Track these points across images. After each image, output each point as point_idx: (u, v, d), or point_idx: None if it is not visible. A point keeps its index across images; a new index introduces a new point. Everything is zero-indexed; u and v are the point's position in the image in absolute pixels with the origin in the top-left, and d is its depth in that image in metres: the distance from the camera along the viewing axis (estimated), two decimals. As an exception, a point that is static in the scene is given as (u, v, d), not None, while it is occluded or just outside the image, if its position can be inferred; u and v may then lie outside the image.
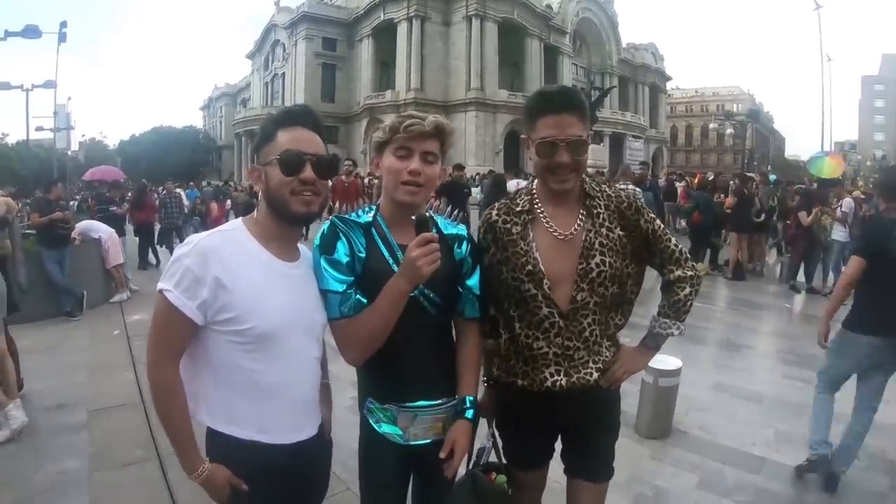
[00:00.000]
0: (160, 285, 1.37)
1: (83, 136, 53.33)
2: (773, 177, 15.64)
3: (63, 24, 19.34)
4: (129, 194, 12.51)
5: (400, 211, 1.57)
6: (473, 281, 1.70)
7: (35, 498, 3.07)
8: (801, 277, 8.92)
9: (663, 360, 3.80)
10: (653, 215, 1.81)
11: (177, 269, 1.35)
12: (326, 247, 1.55)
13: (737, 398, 4.51)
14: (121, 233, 9.14)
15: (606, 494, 1.85)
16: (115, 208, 10.09)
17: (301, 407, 1.54)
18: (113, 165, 24.13)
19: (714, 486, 3.18)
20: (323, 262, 1.54)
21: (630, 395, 3.72)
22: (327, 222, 1.61)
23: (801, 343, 5.97)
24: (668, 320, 1.79)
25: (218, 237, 1.42)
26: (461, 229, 1.74)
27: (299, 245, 1.59)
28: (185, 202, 13.39)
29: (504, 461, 1.93)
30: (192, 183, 25.32)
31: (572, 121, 1.60)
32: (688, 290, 1.78)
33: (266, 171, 1.45)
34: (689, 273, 1.78)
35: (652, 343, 1.84)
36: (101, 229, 8.32)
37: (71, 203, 14.46)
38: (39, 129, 25.39)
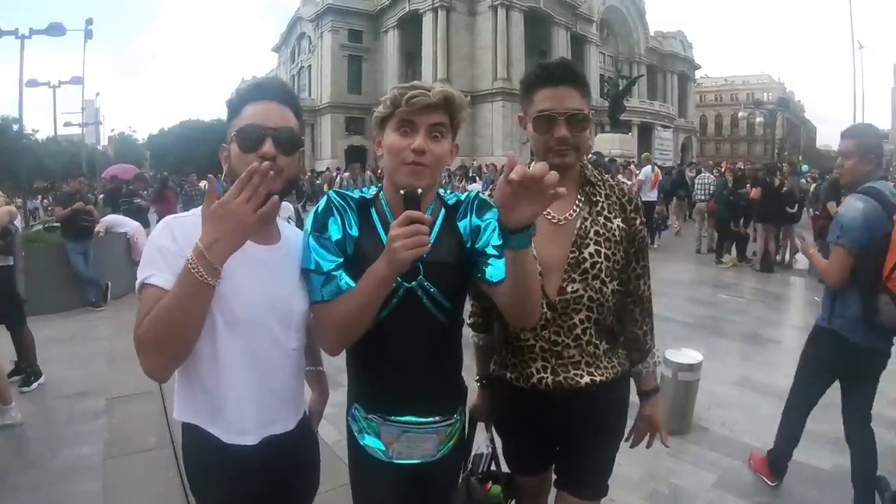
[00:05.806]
0: (140, 273, 1.24)
1: (112, 130, 54.70)
2: (804, 167, 15.25)
3: (89, 22, 19.74)
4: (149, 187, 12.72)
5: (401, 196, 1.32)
6: (483, 242, 1.39)
7: (52, 481, 3.14)
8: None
9: (683, 354, 3.68)
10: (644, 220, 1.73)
11: (152, 251, 1.25)
12: (317, 223, 1.37)
13: (761, 394, 4.35)
14: (145, 224, 9.28)
15: None
16: (140, 200, 10.27)
17: (279, 401, 1.40)
18: (142, 159, 24.54)
19: (732, 486, 3.07)
20: (311, 241, 1.35)
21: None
22: (324, 197, 1.44)
23: (830, 338, 5.75)
24: (655, 351, 1.69)
25: (191, 219, 1.29)
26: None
27: (284, 225, 1.45)
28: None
29: (504, 467, 1.86)
30: (220, 175, 25.52)
31: (571, 94, 1.49)
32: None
33: (230, 148, 1.34)
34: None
35: (654, 390, 1.73)
36: (127, 224, 8.44)
37: (101, 196, 14.74)
38: (68, 124, 25.96)
